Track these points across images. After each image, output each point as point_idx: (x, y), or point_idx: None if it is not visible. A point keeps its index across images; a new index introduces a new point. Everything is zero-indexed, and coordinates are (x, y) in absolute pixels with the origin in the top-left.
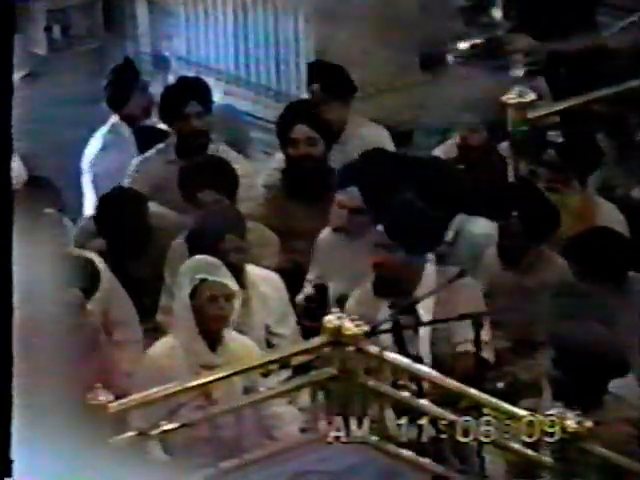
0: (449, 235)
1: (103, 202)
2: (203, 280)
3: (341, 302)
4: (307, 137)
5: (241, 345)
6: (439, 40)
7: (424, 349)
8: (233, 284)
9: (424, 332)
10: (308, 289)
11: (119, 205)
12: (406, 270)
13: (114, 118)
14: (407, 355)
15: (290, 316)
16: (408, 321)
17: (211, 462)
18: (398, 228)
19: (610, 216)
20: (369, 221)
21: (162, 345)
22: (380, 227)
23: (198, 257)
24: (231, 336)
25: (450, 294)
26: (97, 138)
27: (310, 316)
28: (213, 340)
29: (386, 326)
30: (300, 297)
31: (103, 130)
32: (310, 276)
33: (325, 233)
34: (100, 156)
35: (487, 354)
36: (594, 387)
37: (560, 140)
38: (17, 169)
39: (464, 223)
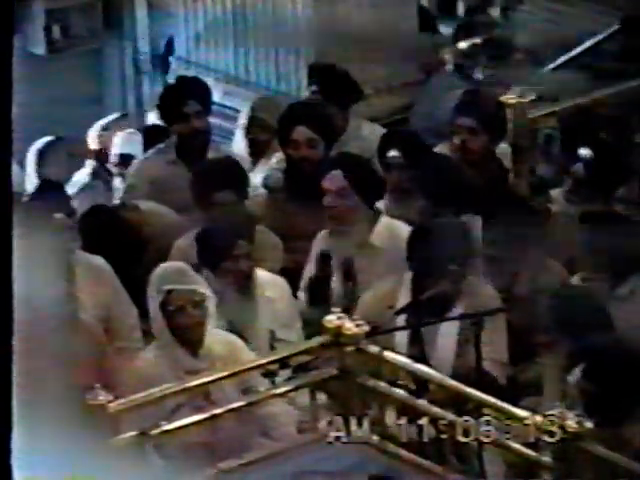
0: None
1: (87, 224)
2: (170, 291)
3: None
4: (307, 139)
5: (224, 344)
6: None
7: (447, 354)
8: (202, 287)
9: (449, 337)
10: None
11: (102, 229)
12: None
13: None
14: (424, 355)
15: (295, 322)
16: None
17: (209, 463)
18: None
19: None
20: (357, 207)
21: (146, 355)
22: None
23: (164, 266)
24: (213, 337)
25: (475, 298)
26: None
27: (318, 290)
28: (193, 345)
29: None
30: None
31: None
32: (307, 274)
33: (322, 234)
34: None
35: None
36: (629, 400)
37: (589, 157)
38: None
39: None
